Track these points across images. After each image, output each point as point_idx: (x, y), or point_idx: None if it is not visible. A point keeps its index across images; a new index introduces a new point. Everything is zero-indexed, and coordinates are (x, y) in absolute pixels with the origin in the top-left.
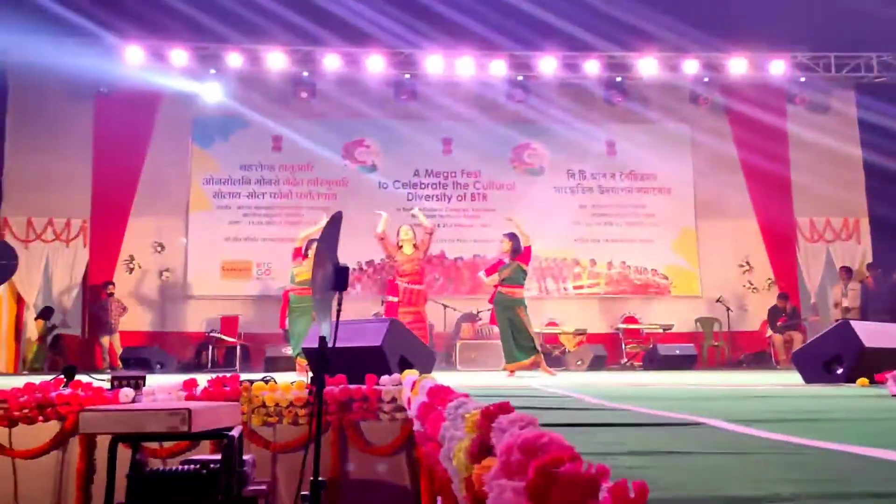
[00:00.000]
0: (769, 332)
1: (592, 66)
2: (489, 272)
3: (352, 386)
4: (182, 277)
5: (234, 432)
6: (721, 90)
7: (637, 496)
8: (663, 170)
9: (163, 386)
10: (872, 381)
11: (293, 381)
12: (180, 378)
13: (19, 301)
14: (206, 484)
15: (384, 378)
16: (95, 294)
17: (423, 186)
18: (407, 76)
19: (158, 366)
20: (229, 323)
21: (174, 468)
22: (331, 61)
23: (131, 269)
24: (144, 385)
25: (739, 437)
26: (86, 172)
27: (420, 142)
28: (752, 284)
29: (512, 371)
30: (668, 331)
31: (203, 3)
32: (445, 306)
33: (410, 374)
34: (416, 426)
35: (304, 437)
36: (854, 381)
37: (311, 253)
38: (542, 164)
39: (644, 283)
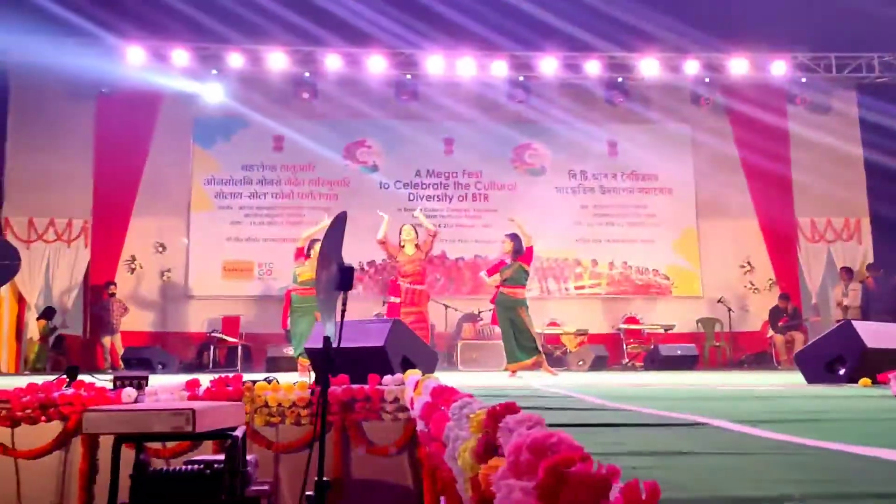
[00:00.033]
0: (770, 333)
1: (593, 67)
2: (491, 272)
3: (354, 386)
4: (183, 278)
5: (238, 432)
6: (722, 90)
7: (649, 497)
8: (664, 170)
9: (165, 386)
10: (874, 382)
11: (295, 381)
12: (183, 378)
13: (20, 301)
14: (209, 484)
15: (387, 378)
16: (97, 294)
17: (424, 187)
18: (408, 76)
19: (160, 366)
20: (231, 323)
21: (178, 468)
22: (332, 61)
23: (133, 270)
24: (147, 385)
25: (743, 437)
26: (87, 173)
27: (421, 142)
28: (753, 285)
29: (513, 371)
30: (670, 331)
31: (204, 3)
32: (447, 306)
33: (413, 375)
34: (420, 426)
35: (306, 438)
36: (856, 382)
37: (314, 253)
38: (543, 164)
39: (645, 283)
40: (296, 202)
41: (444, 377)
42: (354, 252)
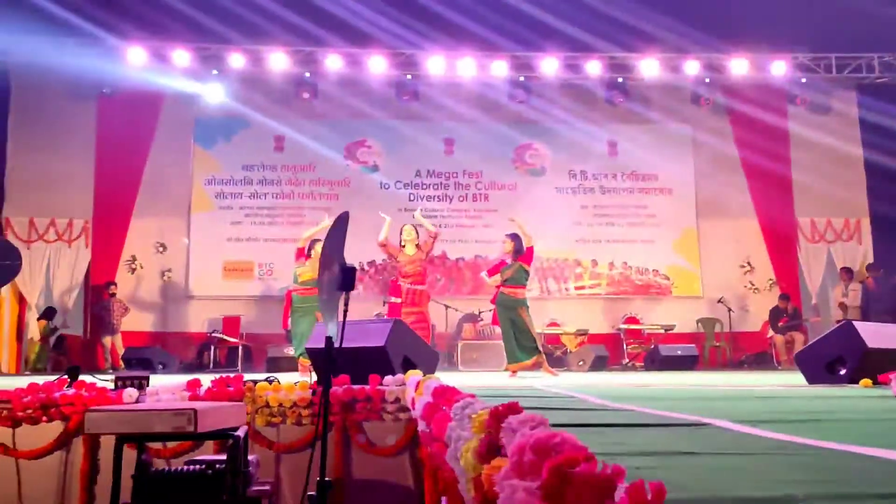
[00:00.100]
0: (770, 333)
1: (594, 67)
2: (491, 273)
3: (355, 386)
4: (184, 278)
5: (240, 432)
6: (722, 91)
7: (654, 497)
8: (665, 170)
9: (166, 386)
10: (875, 382)
11: (296, 381)
12: (184, 378)
13: (21, 301)
14: (211, 484)
15: (387, 378)
16: (97, 294)
17: (424, 187)
18: (409, 77)
19: (160, 366)
20: (231, 323)
21: (179, 469)
22: (332, 62)
23: (133, 270)
24: (148, 385)
25: (746, 437)
26: (88, 173)
27: (422, 142)
28: (753, 285)
29: (514, 371)
30: (670, 331)
31: (205, 4)
32: (447, 307)
33: (414, 375)
34: (421, 426)
35: (307, 438)
36: (857, 382)
37: (314, 253)
38: (543, 164)
39: (645, 283)
40: (296, 202)
41: (444, 377)
42: (355, 252)
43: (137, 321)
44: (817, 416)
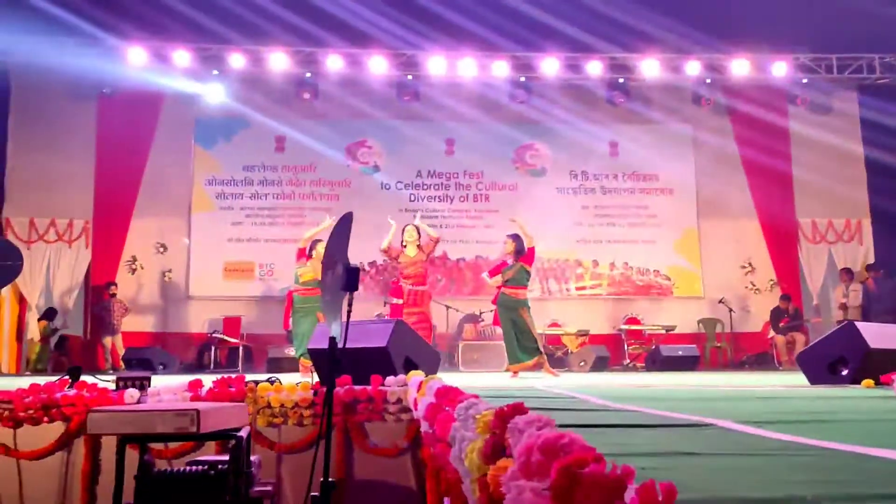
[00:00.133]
0: (771, 333)
1: (595, 68)
2: (493, 273)
3: (357, 387)
4: (184, 278)
5: (242, 433)
6: (723, 91)
7: (665, 498)
8: (665, 171)
9: (168, 387)
10: (877, 383)
11: (298, 382)
12: (185, 379)
13: (21, 302)
14: (214, 485)
15: (389, 379)
16: (98, 295)
17: (425, 187)
18: (409, 77)
19: (161, 366)
20: (232, 324)
21: (182, 469)
22: (333, 62)
23: (134, 270)
24: (149, 386)
25: (749, 437)
26: (88, 173)
27: (423, 142)
28: (754, 285)
29: (515, 372)
30: (671, 332)
31: (205, 4)
32: (448, 307)
33: (416, 375)
34: (424, 427)
35: (308, 439)
36: (859, 383)
37: (315, 254)
38: (544, 164)
39: (646, 283)
40: (297, 203)
41: (445, 378)
42: (355, 252)
43: (138, 321)
44: (820, 417)
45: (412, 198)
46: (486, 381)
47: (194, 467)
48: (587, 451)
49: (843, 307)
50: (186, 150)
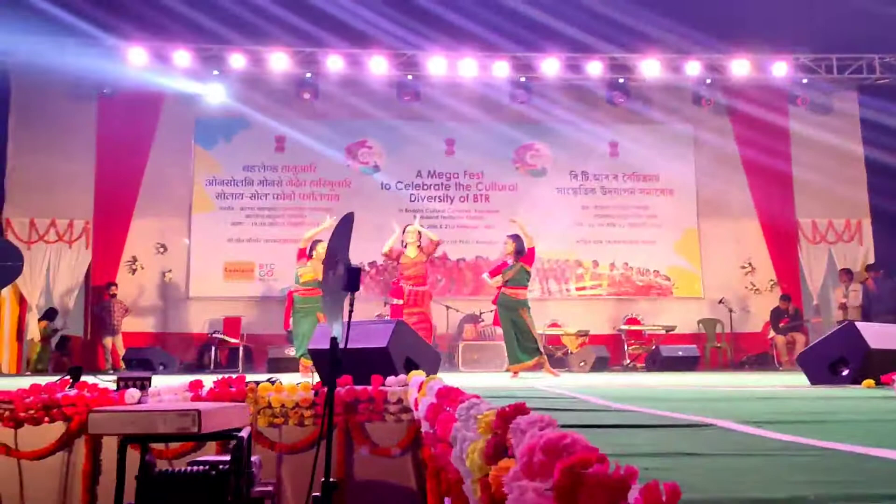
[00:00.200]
0: (771, 334)
1: (595, 68)
2: (493, 274)
3: (358, 387)
4: (184, 278)
5: (243, 433)
6: (723, 91)
7: (669, 498)
8: (666, 171)
9: (169, 387)
10: (878, 383)
11: (298, 382)
12: (186, 379)
13: (21, 302)
14: (215, 485)
15: (390, 379)
16: (98, 295)
17: (425, 187)
18: (409, 77)
19: (161, 367)
20: (232, 324)
21: (183, 469)
22: (333, 62)
23: (134, 271)
24: (150, 386)
25: (751, 438)
26: (89, 173)
27: (423, 143)
28: (754, 286)
29: (515, 372)
30: (671, 332)
31: (205, 4)
32: (448, 307)
33: (417, 376)
34: (425, 427)
35: (309, 439)
36: (859, 383)
37: (316, 254)
38: (544, 165)
39: (646, 284)
40: (297, 203)
41: (445, 378)
42: (355, 252)
43: (138, 322)
44: (822, 417)
45: (412, 198)
46: (486, 381)
47: (195, 467)
48: (590, 451)
49: (843, 307)
50: (187, 150)
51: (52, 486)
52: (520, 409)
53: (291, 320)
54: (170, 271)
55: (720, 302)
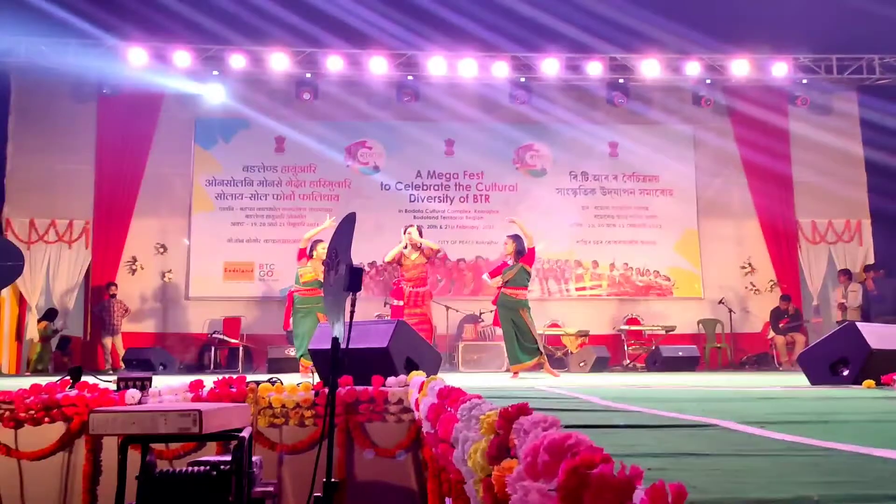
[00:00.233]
0: (771, 334)
1: (595, 68)
2: (493, 275)
3: (358, 387)
4: (184, 279)
5: (244, 433)
6: (723, 92)
7: (675, 499)
8: (666, 171)
9: (169, 387)
10: (879, 383)
11: (299, 382)
12: (186, 379)
13: (21, 302)
14: (216, 485)
15: (390, 379)
16: (98, 295)
17: (425, 188)
18: (409, 77)
19: (161, 367)
20: (232, 324)
21: (184, 470)
22: (333, 63)
23: (134, 271)
24: (151, 386)
25: (754, 438)
26: (89, 173)
27: (423, 143)
28: (754, 286)
29: (516, 373)
30: (671, 332)
31: (205, 5)
32: (448, 308)
33: (418, 376)
34: (426, 427)
35: (310, 439)
36: (860, 383)
37: (316, 254)
38: (544, 165)
39: (646, 284)
40: (297, 203)
41: (445, 379)
42: (355, 253)
43: (138, 322)
44: (824, 417)
45: (412, 198)
46: (486, 381)
47: (196, 468)
48: (595, 451)
49: (842, 308)
50: (186, 150)
51: (52, 487)
52: (523, 410)
53: (291, 320)
54: (170, 271)
55: (720, 302)
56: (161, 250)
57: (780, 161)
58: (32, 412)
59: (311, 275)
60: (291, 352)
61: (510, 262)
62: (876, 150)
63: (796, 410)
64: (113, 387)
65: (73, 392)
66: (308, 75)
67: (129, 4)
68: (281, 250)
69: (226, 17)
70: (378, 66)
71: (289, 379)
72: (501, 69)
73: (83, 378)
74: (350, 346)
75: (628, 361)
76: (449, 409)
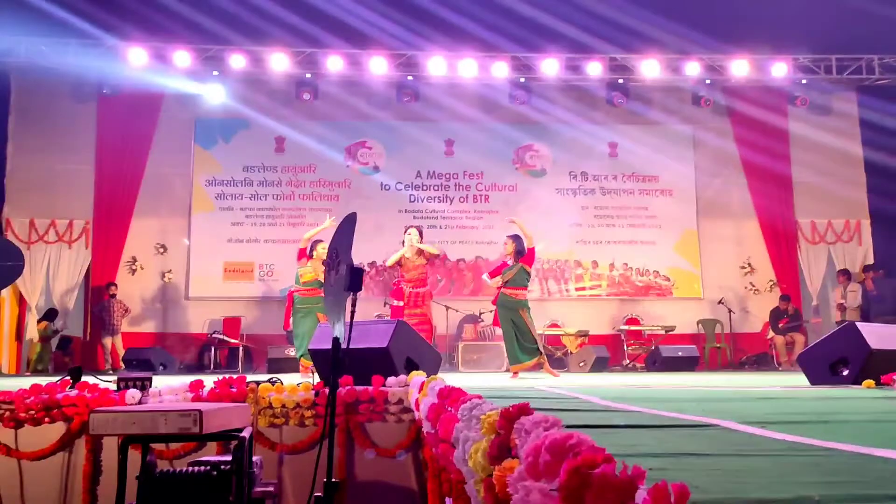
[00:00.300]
0: (771, 334)
1: (595, 68)
2: (493, 275)
3: (358, 388)
4: (184, 279)
5: (245, 433)
6: (723, 92)
7: (678, 499)
8: (665, 171)
9: (169, 387)
10: (878, 383)
11: (299, 382)
12: (186, 379)
13: (21, 302)
14: (217, 485)
15: (391, 379)
16: (98, 295)
17: (425, 188)
18: (409, 78)
19: (161, 367)
20: (231, 324)
21: (184, 470)
22: (333, 63)
23: (134, 271)
24: (151, 386)
25: (754, 438)
26: (88, 173)
27: (422, 143)
28: (753, 286)
29: (516, 373)
30: (670, 332)
31: (205, 5)
32: (448, 308)
33: (418, 376)
34: (426, 427)
35: (310, 439)
36: (860, 383)
37: (316, 254)
38: (544, 165)
39: (646, 284)
40: (297, 203)
41: (445, 379)
42: (354, 253)
43: (138, 322)
44: (824, 417)
45: (412, 198)
46: (485, 381)
47: (197, 468)
48: (597, 451)
49: (841, 308)
50: (186, 150)
51: (52, 487)
52: (524, 410)
53: (291, 320)
54: (169, 271)
55: (720, 302)
56: (161, 250)
57: (779, 161)
58: (32, 412)
59: (310, 275)
60: (291, 352)
61: (510, 263)
62: (875, 150)
63: (796, 410)
64: (113, 387)
65: (74, 392)
66: (308, 75)
67: (129, 4)
68: (281, 250)
69: (226, 17)
70: (378, 66)
71: (289, 379)
72: (501, 69)
73: (83, 378)
74: (350, 346)
75: (628, 361)
76: (449, 409)
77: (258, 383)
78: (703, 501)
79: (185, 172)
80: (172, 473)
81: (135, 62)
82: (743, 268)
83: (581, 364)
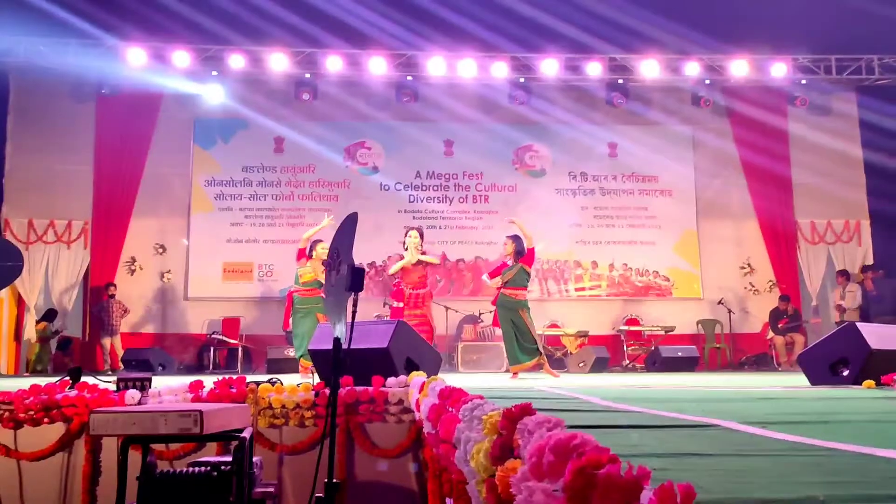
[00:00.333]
0: (770, 334)
1: (594, 69)
2: (493, 275)
3: (358, 388)
4: (183, 279)
5: (245, 434)
6: (723, 92)
7: (683, 499)
8: (665, 172)
9: (169, 388)
10: (878, 383)
11: (299, 382)
12: (186, 379)
13: (20, 303)
14: (217, 486)
15: (391, 380)
16: (97, 296)
17: (424, 188)
18: (409, 78)
19: (160, 367)
20: (231, 325)
21: (185, 470)
22: (333, 63)
23: (133, 271)
24: (150, 386)
25: (755, 438)
26: (87, 174)
27: (422, 143)
28: (753, 286)
29: (515, 373)
30: (670, 333)
31: (205, 4)
32: (447, 308)
33: (418, 376)
34: (427, 428)
35: (310, 440)
36: (860, 383)
37: (315, 254)
38: (543, 165)
39: (646, 284)
40: (296, 203)
41: (445, 379)
42: (354, 253)
43: (137, 322)
44: (825, 418)
45: (411, 199)
46: (485, 382)
47: (197, 468)
48: (602, 451)
49: (840, 308)
50: (185, 150)
51: (52, 488)
52: (526, 410)
53: (291, 320)
54: (169, 272)
55: (719, 303)
56: (160, 251)
57: (779, 162)
58: (32, 413)
59: (310, 275)
60: (291, 352)
61: (510, 263)
62: (875, 150)
63: (797, 411)
64: (113, 387)
65: (73, 393)
66: (307, 75)
67: (128, 4)
68: (280, 251)
69: (225, 17)
70: (377, 66)
71: (289, 379)
72: (501, 69)
73: (83, 378)
74: (350, 347)
75: (628, 362)
76: (450, 409)
77: (258, 384)
78: (706, 501)
79: (185, 172)
80: (173, 474)
81: (134, 62)
82: (742, 268)
83: (581, 364)
